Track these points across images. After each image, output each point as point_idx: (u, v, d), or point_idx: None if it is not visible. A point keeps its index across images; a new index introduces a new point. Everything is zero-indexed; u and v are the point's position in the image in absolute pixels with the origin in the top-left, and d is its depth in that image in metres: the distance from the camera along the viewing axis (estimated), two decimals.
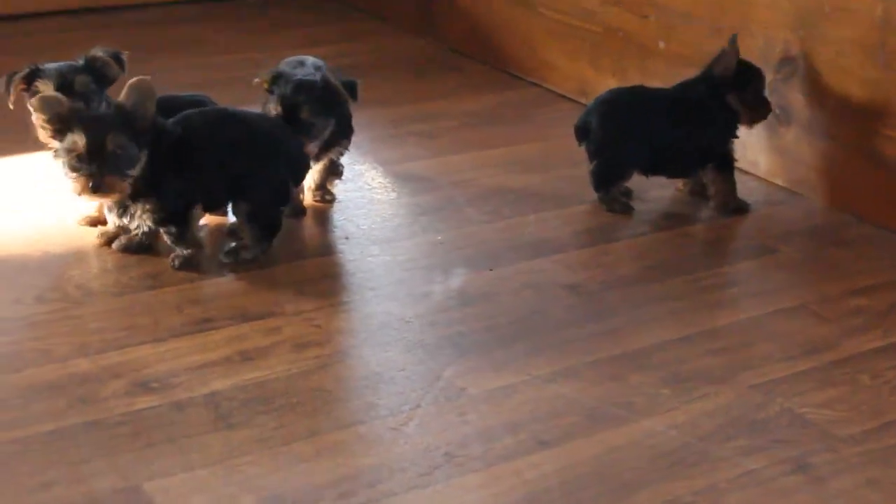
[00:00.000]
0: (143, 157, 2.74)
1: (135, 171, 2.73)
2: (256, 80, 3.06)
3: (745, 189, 3.39)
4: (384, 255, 2.99)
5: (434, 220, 3.19)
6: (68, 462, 2.16)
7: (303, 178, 3.02)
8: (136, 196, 2.78)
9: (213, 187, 2.88)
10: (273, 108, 3.00)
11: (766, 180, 3.48)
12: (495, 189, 3.40)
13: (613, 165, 3.25)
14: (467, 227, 3.16)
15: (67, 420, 2.28)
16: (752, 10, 3.44)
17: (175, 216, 2.83)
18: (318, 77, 3.01)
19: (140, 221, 2.83)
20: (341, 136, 3.17)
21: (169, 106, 3.04)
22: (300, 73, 3.02)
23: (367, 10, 4.99)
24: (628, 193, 3.32)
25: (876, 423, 2.37)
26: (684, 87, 3.29)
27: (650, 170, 3.28)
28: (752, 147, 3.49)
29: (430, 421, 2.32)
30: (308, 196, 3.23)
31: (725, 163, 3.27)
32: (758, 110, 3.29)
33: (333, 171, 3.23)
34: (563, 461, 2.22)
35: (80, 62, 2.95)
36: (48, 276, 2.82)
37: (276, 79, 3.02)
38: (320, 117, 3.00)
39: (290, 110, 2.96)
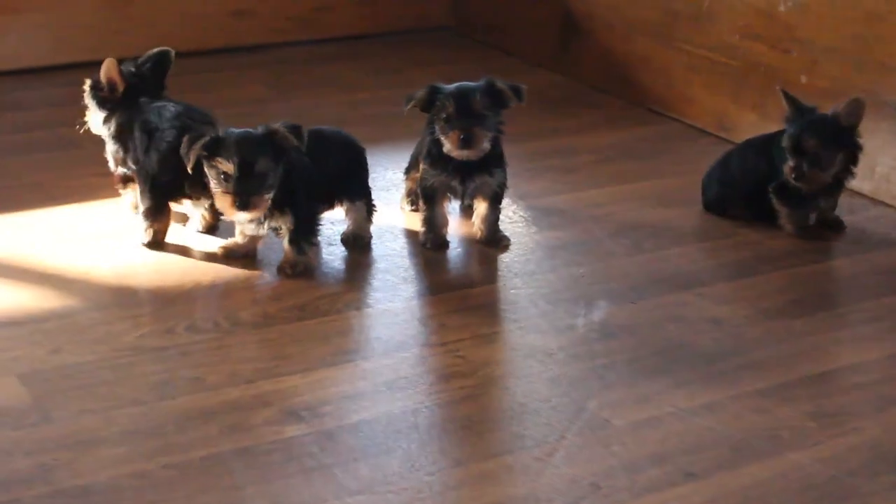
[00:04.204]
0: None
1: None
2: (409, 106, 3.12)
3: (889, 222, 3.36)
4: (527, 288, 3.01)
5: (574, 253, 3.21)
6: (222, 488, 2.21)
7: None
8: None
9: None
10: (440, 129, 3.08)
11: None
12: (635, 223, 3.40)
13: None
14: (608, 261, 3.17)
15: (220, 447, 2.33)
16: None
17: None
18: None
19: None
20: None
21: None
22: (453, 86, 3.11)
23: (502, 48, 5.02)
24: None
25: None
26: None
27: None
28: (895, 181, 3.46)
29: (575, 452, 2.34)
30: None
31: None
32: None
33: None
34: (711, 493, 2.22)
35: (260, 131, 2.92)
36: (199, 306, 2.89)
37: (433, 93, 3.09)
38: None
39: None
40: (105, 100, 3.28)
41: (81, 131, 3.35)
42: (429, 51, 5.10)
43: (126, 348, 2.68)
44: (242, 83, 4.61)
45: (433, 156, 3.15)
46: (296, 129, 2.92)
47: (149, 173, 3.13)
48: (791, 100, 3.23)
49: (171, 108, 3.15)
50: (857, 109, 3.17)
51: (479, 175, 3.16)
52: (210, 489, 2.21)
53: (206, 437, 2.36)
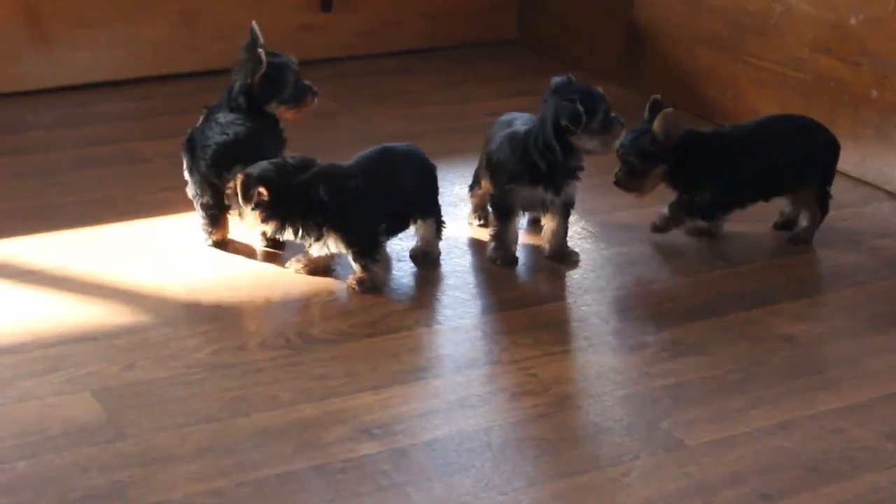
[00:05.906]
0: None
1: None
2: None
3: None
4: (597, 305, 3.00)
5: (644, 269, 3.19)
6: None
7: None
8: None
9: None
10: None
11: None
12: (704, 239, 3.37)
13: None
14: (679, 278, 3.15)
15: (294, 464, 2.34)
16: None
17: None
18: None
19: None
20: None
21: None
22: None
23: (567, 61, 4.99)
24: None
25: None
26: None
27: None
28: None
29: (650, 472, 2.33)
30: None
31: None
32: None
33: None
34: None
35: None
36: (270, 323, 2.90)
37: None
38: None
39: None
40: None
41: None
42: (494, 64, 5.08)
43: (199, 365, 2.70)
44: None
45: (528, 169, 3.12)
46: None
47: (194, 194, 3.22)
48: (651, 107, 3.32)
49: (213, 125, 3.18)
50: (665, 124, 3.20)
51: (569, 182, 3.17)
52: None
53: (280, 455, 2.37)
